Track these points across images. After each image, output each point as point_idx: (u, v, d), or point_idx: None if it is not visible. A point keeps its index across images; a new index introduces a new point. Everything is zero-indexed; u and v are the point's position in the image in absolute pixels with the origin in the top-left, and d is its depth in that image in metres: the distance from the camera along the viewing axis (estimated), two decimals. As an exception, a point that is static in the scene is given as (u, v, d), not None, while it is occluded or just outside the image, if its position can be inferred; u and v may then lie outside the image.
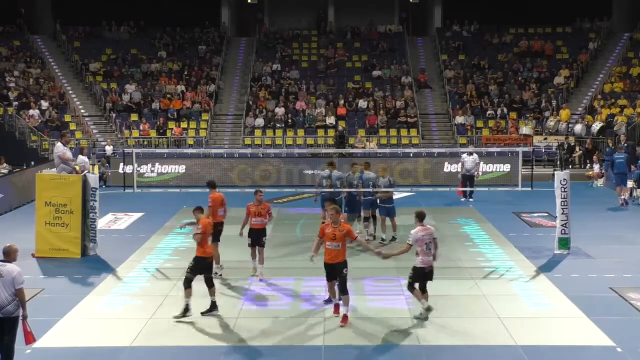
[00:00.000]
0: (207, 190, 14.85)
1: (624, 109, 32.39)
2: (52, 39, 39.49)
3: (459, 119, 33.28)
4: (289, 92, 35.43)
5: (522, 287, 13.68)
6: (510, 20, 39.55)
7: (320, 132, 33.03)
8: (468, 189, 23.48)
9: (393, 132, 33.07)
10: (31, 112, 32.37)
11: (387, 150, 28.98)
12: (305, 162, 27.37)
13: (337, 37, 40.10)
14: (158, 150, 29.66)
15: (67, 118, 33.53)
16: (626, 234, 18.30)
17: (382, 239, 17.20)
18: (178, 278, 14.22)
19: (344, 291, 11.52)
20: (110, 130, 33.79)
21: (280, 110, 33.95)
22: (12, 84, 34.51)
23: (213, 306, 11.92)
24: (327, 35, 40.12)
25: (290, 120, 33.44)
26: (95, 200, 16.30)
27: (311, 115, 33.88)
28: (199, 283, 11.89)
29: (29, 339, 9.25)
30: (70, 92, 35.93)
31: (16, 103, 33.03)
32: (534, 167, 24.92)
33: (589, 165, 28.97)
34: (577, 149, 30.46)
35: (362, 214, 17.56)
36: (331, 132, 32.53)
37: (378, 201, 17.39)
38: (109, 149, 29.19)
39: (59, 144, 16.86)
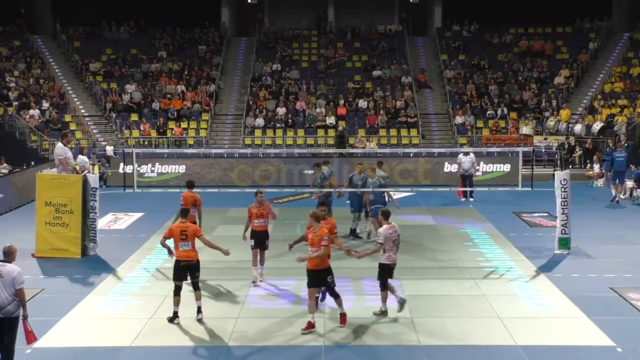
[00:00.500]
0: (207, 190, 14.84)
1: (624, 109, 32.40)
2: (52, 39, 39.50)
3: (459, 119, 33.29)
4: (289, 92, 35.43)
5: (522, 287, 13.68)
6: (510, 20, 39.55)
7: (321, 132, 33.03)
8: (468, 189, 23.49)
9: (393, 132, 33.07)
10: (31, 112, 32.37)
11: (387, 150, 28.97)
12: (305, 162, 27.34)
13: (337, 37, 40.11)
14: (158, 150, 29.67)
15: (67, 118, 33.54)
16: (626, 234, 18.30)
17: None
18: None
19: (336, 296, 11.44)
20: (110, 130, 33.79)
21: (280, 110, 33.95)
22: (12, 84, 34.52)
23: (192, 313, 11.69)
24: (327, 35, 40.12)
25: (290, 120, 33.45)
26: (96, 200, 16.30)
27: (311, 115, 33.88)
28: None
29: (30, 338, 9.25)
30: (70, 92, 35.94)
31: (16, 103, 33.03)
32: (534, 167, 24.92)
33: (589, 165, 28.97)
34: (577, 149, 30.46)
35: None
36: (331, 132, 32.54)
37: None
38: (109, 149, 29.17)
39: (59, 144, 16.85)
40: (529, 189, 17.37)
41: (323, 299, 12.14)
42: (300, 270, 11.79)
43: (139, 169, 26.61)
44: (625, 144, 27.65)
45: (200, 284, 11.99)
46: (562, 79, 35.94)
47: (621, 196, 23.94)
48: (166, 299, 12.98)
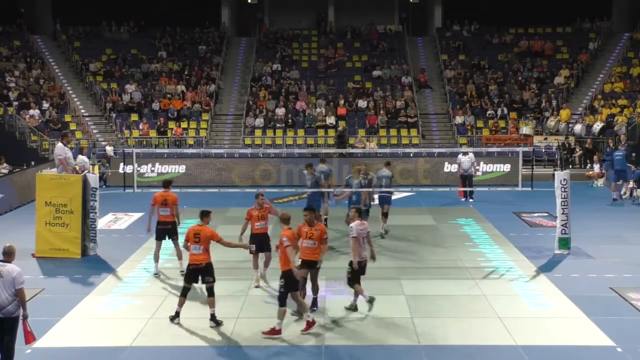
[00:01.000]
0: (207, 190, 14.82)
1: (624, 109, 32.40)
2: (52, 39, 39.50)
3: (459, 119, 33.29)
4: (289, 92, 35.43)
5: (522, 287, 13.68)
6: (510, 20, 39.54)
7: (321, 132, 33.03)
8: (468, 189, 23.49)
9: (393, 132, 33.07)
10: (31, 112, 32.36)
11: (387, 150, 28.97)
12: (305, 162, 27.29)
13: (337, 37, 40.10)
14: (158, 150, 29.65)
15: (67, 118, 33.53)
16: (626, 234, 18.30)
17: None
18: (178, 278, 14.24)
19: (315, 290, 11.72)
20: (110, 130, 33.79)
21: (280, 111, 33.95)
22: (12, 84, 34.50)
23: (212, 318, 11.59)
24: (327, 35, 40.12)
25: (290, 120, 33.44)
26: (96, 200, 16.30)
27: (311, 115, 33.88)
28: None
29: (29, 338, 9.25)
30: (70, 92, 35.94)
31: (16, 103, 33.03)
32: (534, 167, 24.92)
33: (589, 165, 28.97)
34: (577, 149, 30.47)
35: (383, 210, 18.22)
36: (331, 132, 32.53)
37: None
38: (109, 149, 29.15)
39: (59, 144, 16.83)
40: (529, 189, 17.37)
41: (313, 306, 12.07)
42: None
43: (139, 169, 26.61)
44: (626, 144, 27.68)
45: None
46: (562, 79, 35.94)
47: (623, 195, 23.94)
48: (166, 299, 12.99)
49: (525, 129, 31.78)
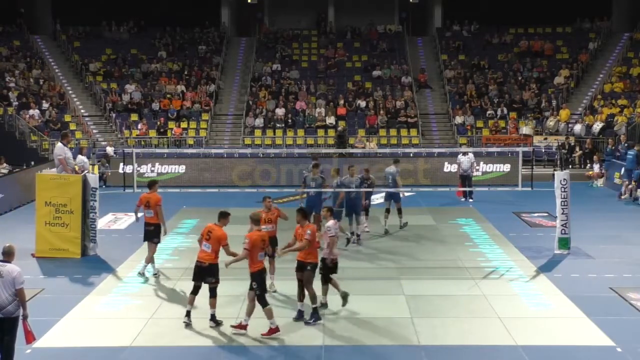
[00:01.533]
0: (207, 190, 14.77)
1: (624, 109, 32.39)
2: (52, 39, 39.49)
3: (459, 119, 33.29)
4: (289, 92, 35.43)
5: (522, 287, 13.68)
6: (510, 20, 39.54)
7: (320, 132, 33.03)
8: (467, 189, 23.48)
9: (393, 132, 33.08)
10: (31, 112, 32.36)
11: (387, 150, 28.96)
12: (305, 162, 27.27)
13: (337, 37, 40.10)
14: (158, 150, 29.64)
15: (67, 118, 33.53)
16: (626, 234, 18.30)
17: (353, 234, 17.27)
18: (178, 278, 14.26)
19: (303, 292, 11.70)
20: (110, 130, 33.79)
21: (280, 111, 33.95)
22: (12, 84, 34.50)
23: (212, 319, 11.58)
24: (327, 35, 40.11)
25: (290, 120, 33.44)
26: (95, 200, 16.31)
27: (311, 115, 33.88)
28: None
29: (29, 338, 9.25)
30: (70, 92, 35.93)
31: (16, 103, 33.02)
32: (534, 167, 24.92)
33: (589, 165, 28.97)
34: (577, 149, 30.47)
35: (391, 206, 18.69)
36: (331, 132, 32.53)
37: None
38: (110, 150, 29.12)
39: (59, 144, 16.82)
40: (529, 189, 17.38)
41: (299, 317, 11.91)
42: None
43: (138, 169, 26.59)
44: (626, 144, 27.66)
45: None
46: (562, 79, 35.94)
47: (622, 195, 23.98)
48: (166, 299, 12.99)
49: (525, 129, 31.78)
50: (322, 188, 17.20)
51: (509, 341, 10.81)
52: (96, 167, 26.60)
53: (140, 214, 15.09)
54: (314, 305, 11.67)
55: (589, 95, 35.29)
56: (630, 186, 23.75)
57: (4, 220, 20.82)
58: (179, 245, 17.25)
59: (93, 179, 16.57)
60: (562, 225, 16.18)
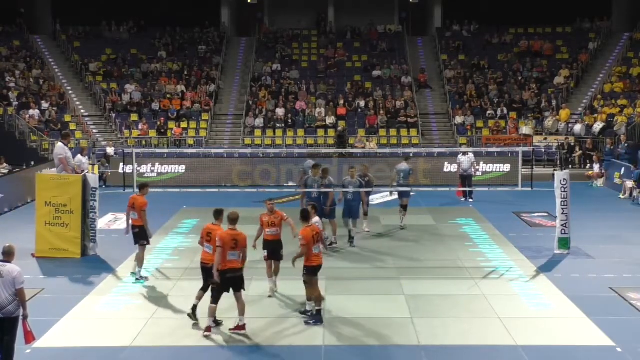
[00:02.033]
0: (207, 190, 14.73)
1: (624, 109, 32.40)
2: (52, 39, 39.49)
3: (459, 119, 33.29)
4: (289, 92, 35.43)
5: (522, 287, 13.68)
6: (510, 20, 39.52)
7: (320, 132, 33.03)
8: (467, 189, 23.48)
9: (393, 132, 33.07)
10: (31, 112, 32.35)
11: (387, 150, 28.95)
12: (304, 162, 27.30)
13: (337, 37, 40.09)
14: (158, 150, 29.63)
15: (67, 118, 33.54)
16: (626, 234, 18.30)
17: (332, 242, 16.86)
18: (178, 278, 14.26)
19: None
20: (110, 130, 33.79)
21: (280, 111, 33.95)
22: (12, 84, 34.50)
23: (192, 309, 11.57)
24: (327, 35, 40.11)
25: (290, 120, 33.44)
26: (95, 200, 16.31)
27: (311, 115, 33.88)
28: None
29: (29, 338, 9.25)
30: (70, 92, 35.93)
31: (16, 103, 33.02)
32: (534, 167, 24.92)
33: (589, 165, 28.97)
34: (577, 149, 30.47)
35: (402, 202, 19.13)
36: (331, 132, 32.53)
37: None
38: (110, 150, 29.11)
39: (59, 144, 16.79)
40: (529, 189, 17.38)
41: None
42: (297, 270, 11.80)
43: (138, 169, 26.59)
44: (626, 144, 27.66)
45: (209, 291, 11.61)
46: (562, 79, 35.94)
47: (620, 196, 23.99)
48: (166, 299, 12.99)
49: (525, 129, 31.78)
50: (323, 189, 17.15)
51: (509, 341, 10.82)
52: (96, 167, 26.60)
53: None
54: (317, 308, 11.66)
55: (589, 95, 35.29)
56: (630, 186, 23.76)
57: (4, 220, 20.82)
58: (179, 245, 17.24)
59: (93, 179, 16.56)
60: (562, 225, 16.18)
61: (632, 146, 27.71)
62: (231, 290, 11.11)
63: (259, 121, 33.45)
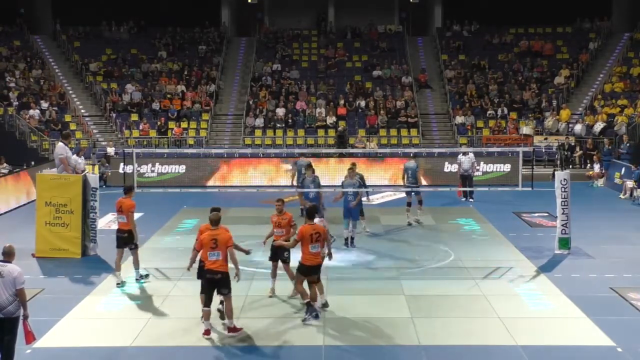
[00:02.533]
0: (207, 190, 14.67)
1: (624, 109, 32.39)
2: (52, 39, 39.49)
3: (459, 119, 33.29)
4: (289, 92, 35.43)
5: (522, 287, 13.67)
6: (510, 20, 39.53)
7: (321, 132, 33.03)
8: (467, 189, 23.48)
9: (393, 132, 33.08)
10: (31, 112, 32.36)
11: (387, 150, 28.96)
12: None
13: (337, 37, 40.10)
14: (158, 150, 29.64)
15: (67, 118, 33.55)
16: (626, 234, 18.30)
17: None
18: (178, 278, 14.25)
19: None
20: (110, 130, 33.79)
21: (280, 111, 33.95)
22: (12, 84, 34.50)
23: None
24: (327, 35, 40.11)
25: (290, 120, 33.44)
26: (96, 200, 16.31)
27: (311, 115, 33.88)
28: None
29: (29, 338, 9.25)
30: (70, 92, 35.93)
31: (16, 103, 33.03)
32: (534, 167, 24.91)
33: (589, 165, 28.97)
34: (577, 149, 30.47)
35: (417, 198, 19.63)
36: (331, 132, 32.53)
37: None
38: (110, 150, 29.11)
39: (60, 144, 16.76)
40: (529, 189, 17.37)
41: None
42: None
43: (139, 169, 26.59)
44: (628, 144, 27.64)
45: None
46: (562, 79, 35.94)
47: (620, 196, 23.99)
48: (166, 299, 12.99)
49: (525, 129, 31.78)
50: (320, 189, 17.17)
51: (509, 341, 10.81)
52: (96, 167, 26.60)
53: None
54: (305, 301, 11.72)
55: (589, 95, 35.29)
56: (630, 186, 23.76)
57: (4, 220, 20.82)
58: (179, 245, 17.22)
59: (93, 179, 16.57)
60: (562, 225, 16.18)
61: (633, 146, 27.71)
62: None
63: (259, 121, 33.45)
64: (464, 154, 23.63)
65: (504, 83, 36.13)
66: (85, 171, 17.45)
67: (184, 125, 33.45)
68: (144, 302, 12.86)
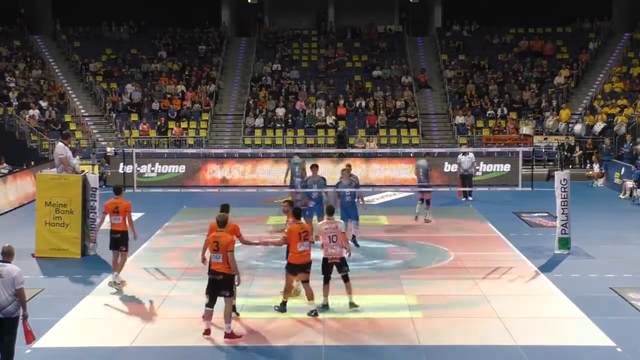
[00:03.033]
0: (208, 190, 14.63)
1: (624, 109, 32.39)
2: (52, 39, 39.47)
3: (459, 119, 33.28)
4: (289, 92, 35.42)
5: (522, 287, 13.68)
6: (510, 20, 39.51)
7: (321, 132, 33.02)
8: (467, 189, 23.47)
9: (393, 132, 33.07)
10: (31, 112, 32.35)
11: (387, 150, 28.94)
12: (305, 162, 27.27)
13: (337, 37, 40.08)
14: (158, 150, 29.63)
15: (67, 118, 33.53)
16: (626, 234, 18.30)
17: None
18: (178, 278, 14.26)
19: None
20: (110, 130, 33.78)
21: (280, 111, 33.95)
22: (12, 84, 34.49)
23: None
24: (327, 35, 40.10)
25: (290, 120, 33.44)
26: (95, 200, 16.33)
27: (311, 115, 33.88)
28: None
29: (29, 338, 9.24)
30: (70, 92, 35.92)
31: (16, 103, 33.02)
32: (534, 167, 24.91)
33: (588, 165, 28.96)
34: (577, 149, 30.47)
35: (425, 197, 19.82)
36: (331, 132, 32.53)
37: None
38: (109, 150, 29.09)
39: (60, 144, 16.76)
40: (529, 189, 17.37)
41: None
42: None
43: (138, 169, 26.58)
44: (630, 144, 27.59)
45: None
46: (562, 79, 35.93)
47: (620, 196, 24.00)
48: (166, 299, 12.99)
49: (525, 129, 31.77)
50: (323, 190, 17.12)
51: (509, 341, 10.81)
52: (96, 167, 26.54)
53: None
54: (283, 299, 12.02)
55: (589, 95, 35.28)
56: (630, 186, 23.76)
57: (4, 220, 20.82)
58: (179, 246, 17.23)
59: (93, 179, 16.58)
60: (562, 225, 16.17)
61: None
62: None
63: (259, 121, 33.45)
64: (464, 153, 23.63)
65: (504, 83, 36.12)
66: (85, 172, 17.40)
67: (183, 125, 33.44)
68: (144, 302, 12.86)
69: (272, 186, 25.46)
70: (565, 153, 29.99)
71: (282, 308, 12.01)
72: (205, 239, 11.68)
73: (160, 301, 12.82)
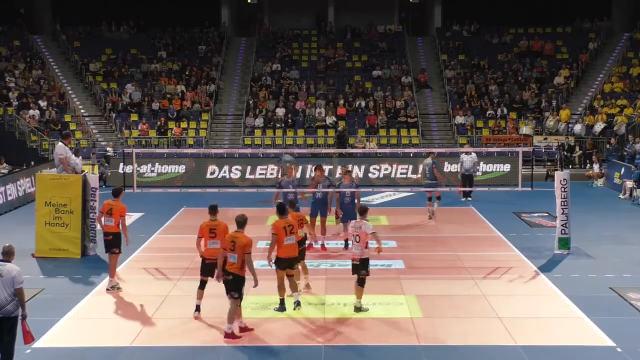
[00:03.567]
0: (207, 190, 14.63)
1: (624, 109, 32.40)
2: (52, 39, 39.48)
3: (459, 119, 33.29)
4: (289, 92, 35.43)
5: (522, 287, 13.68)
6: (510, 20, 39.53)
7: (320, 132, 33.03)
8: (468, 189, 23.47)
9: (393, 132, 33.08)
10: (31, 112, 32.36)
11: (387, 150, 28.94)
12: (305, 162, 27.31)
13: (337, 37, 40.09)
14: (158, 150, 29.61)
15: (67, 118, 33.54)
16: (626, 234, 18.30)
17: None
18: (178, 278, 14.26)
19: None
20: (110, 130, 33.79)
21: (280, 111, 33.95)
22: (12, 84, 34.50)
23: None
24: (327, 35, 40.11)
25: (290, 120, 33.45)
26: (95, 200, 16.31)
27: (311, 115, 33.88)
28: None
29: (28, 338, 9.25)
30: (70, 92, 35.93)
31: (16, 103, 33.02)
32: (534, 167, 24.91)
33: (588, 165, 28.96)
34: (577, 149, 30.47)
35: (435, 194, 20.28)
36: (331, 132, 32.54)
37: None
38: (109, 150, 29.10)
39: (60, 144, 16.78)
40: (529, 189, 17.37)
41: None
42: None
43: (138, 169, 26.58)
44: (632, 144, 27.59)
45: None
46: (562, 79, 35.94)
47: (620, 196, 24.00)
48: (166, 299, 12.99)
49: (525, 129, 31.78)
50: (327, 191, 17.10)
51: (509, 341, 10.81)
52: (96, 167, 26.59)
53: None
54: (280, 298, 12.13)
55: (589, 95, 35.29)
56: (630, 186, 23.75)
57: (4, 220, 20.82)
58: (179, 245, 17.22)
59: (93, 179, 16.57)
60: (562, 225, 16.18)
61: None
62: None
63: (259, 121, 33.45)
64: (467, 153, 23.62)
65: (504, 83, 36.13)
66: (85, 172, 17.41)
67: (183, 125, 33.45)
68: (144, 302, 12.85)
69: (272, 186, 25.54)
70: (565, 153, 30.02)
71: (282, 307, 12.03)
72: (196, 240, 12.00)
73: (160, 301, 12.83)
